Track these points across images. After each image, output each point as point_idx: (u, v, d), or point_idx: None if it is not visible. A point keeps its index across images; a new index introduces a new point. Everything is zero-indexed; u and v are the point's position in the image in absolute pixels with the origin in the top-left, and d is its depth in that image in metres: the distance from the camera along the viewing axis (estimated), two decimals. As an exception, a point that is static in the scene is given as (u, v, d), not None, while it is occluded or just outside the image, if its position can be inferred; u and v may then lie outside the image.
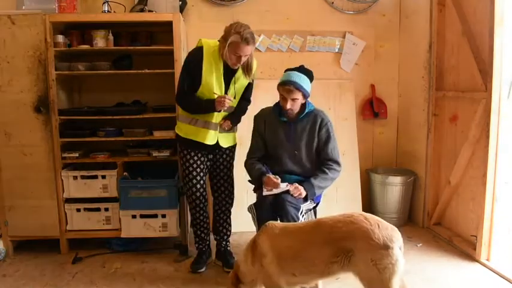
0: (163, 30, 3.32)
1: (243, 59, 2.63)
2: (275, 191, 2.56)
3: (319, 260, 2.05)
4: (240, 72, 2.75)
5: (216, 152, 2.90)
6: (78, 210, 3.23)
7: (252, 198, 2.79)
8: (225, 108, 2.69)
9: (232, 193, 3.02)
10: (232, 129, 2.91)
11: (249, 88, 2.88)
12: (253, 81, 2.89)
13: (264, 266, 2.15)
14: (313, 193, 2.61)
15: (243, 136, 3.11)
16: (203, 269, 2.96)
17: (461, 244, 3.22)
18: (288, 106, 2.62)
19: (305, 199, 2.59)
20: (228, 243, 3.09)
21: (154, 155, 3.27)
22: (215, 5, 3.79)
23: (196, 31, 3.67)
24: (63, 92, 3.37)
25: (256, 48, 3.83)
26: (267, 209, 2.52)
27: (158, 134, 3.32)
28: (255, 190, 2.77)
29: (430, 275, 2.86)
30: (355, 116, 3.95)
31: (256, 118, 2.84)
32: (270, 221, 2.27)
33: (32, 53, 3.07)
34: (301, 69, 2.67)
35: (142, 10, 3.27)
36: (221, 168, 2.94)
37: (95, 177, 3.21)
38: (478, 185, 3.02)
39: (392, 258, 1.93)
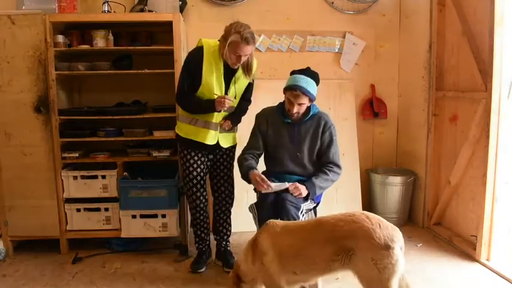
0: (163, 30, 3.32)
1: (243, 59, 2.63)
2: (275, 190, 2.56)
3: (320, 258, 2.05)
4: (240, 72, 2.74)
5: (216, 152, 2.90)
6: (78, 210, 3.23)
7: (253, 198, 2.79)
8: (225, 108, 2.69)
9: (233, 193, 3.02)
10: (232, 129, 2.91)
11: (249, 88, 2.88)
12: (253, 81, 2.89)
13: (264, 264, 2.14)
14: (314, 192, 2.61)
15: (243, 136, 3.11)
16: (203, 269, 2.96)
17: (461, 244, 3.22)
18: (295, 110, 2.62)
19: (306, 198, 2.59)
20: (228, 243, 3.08)
21: (154, 155, 3.27)
22: (215, 5, 3.79)
23: (196, 31, 3.67)
24: (63, 92, 3.37)
25: (256, 48, 3.84)
26: (268, 209, 2.52)
27: (158, 134, 3.32)
28: (255, 190, 2.77)
29: (430, 275, 2.86)
30: (355, 116, 3.95)
31: (258, 117, 2.83)
32: (271, 220, 2.27)
33: (32, 53, 3.07)
34: (308, 72, 2.65)
35: (142, 10, 3.27)
36: (221, 168, 2.94)
37: (95, 177, 3.21)
38: (478, 185, 3.02)
39: (392, 258, 1.93)
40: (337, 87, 3.89)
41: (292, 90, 2.58)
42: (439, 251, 3.25)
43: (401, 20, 4.03)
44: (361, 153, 3.94)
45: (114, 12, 3.32)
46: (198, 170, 2.86)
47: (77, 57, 3.44)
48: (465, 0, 3.19)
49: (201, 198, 2.91)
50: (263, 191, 2.56)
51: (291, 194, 2.54)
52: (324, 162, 2.71)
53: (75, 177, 3.20)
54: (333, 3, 3.92)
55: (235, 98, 2.78)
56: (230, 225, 3.07)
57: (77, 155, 3.24)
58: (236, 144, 3.00)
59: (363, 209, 3.75)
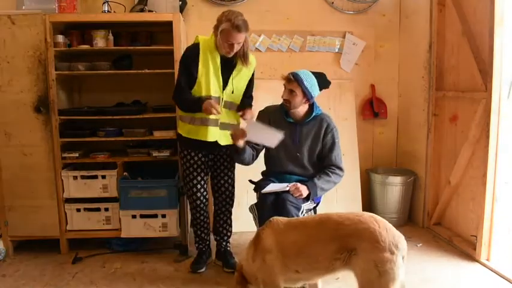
0: (163, 30, 3.32)
1: (236, 47, 2.61)
2: (275, 190, 2.56)
3: (323, 256, 2.04)
4: (239, 67, 2.73)
5: (216, 152, 2.90)
6: (78, 210, 3.23)
7: (253, 198, 2.79)
8: (210, 115, 2.63)
9: (233, 193, 3.01)
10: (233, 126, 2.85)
11: (250, 85, 2.87)
12: (253, 75, 2.87)
13: (266, 262, 2.13)
14: (315, 193, 2.61)
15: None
16: (203, 269, 2.96)
17: (461, 244, 3.22)
18: (285, 97, 2.61)
19: (306, 199, 2.59)
20: (228, 243, 3.08)
21: (154, 155, 3.27)
22: (215, 5, 3.79)
23: (196, 31, 3.62)
24: (63, 92, 3.37)
25: (256, 48, 3.85)
26: (268, 209, 2.51)
27: (158, 134, 3.32)
28: (255, 190, 2.76)
29: (430, 275, 2.86)
30: (355, 116, 3.95)
31: (261, 114, 2.82)
32: (275, 217, 2.25)
33: (32, 53, 3.06)
34: (316, 73, 2.67)
35: (142, 10, 3.27)
36: (222, 168, 2.93)
37: (95, 177, 3.21)
38: (478, 185, 3.02)
39: (394, 263, 1.91)
40: (337, 87, 3.89)
41: (288, 75, 2.59)
42: (439, 251, 3.25)
43: (401, 20, 4.03)
44: (361, 153, 3.94)
45: (114, 12, 3.32)
46: (199, 170, 2.85)
47: (77, 57, 3.44)
48: (465, 0, 3.20)
49: (201, 198, 2.91)
50: (264, 190, 2.55)
51: (292, 195, 2.54)
52: (326, 164, 2.70)
53: (75, 177, 3.20)
54: (333, 3, 3.92)
55: (233, 93, 2.76)
56: (230, 225, 3.07)
57: (77, 155, 3.24)
58: (236, 144, 2.99)
59: (363, 209, 3.76)
